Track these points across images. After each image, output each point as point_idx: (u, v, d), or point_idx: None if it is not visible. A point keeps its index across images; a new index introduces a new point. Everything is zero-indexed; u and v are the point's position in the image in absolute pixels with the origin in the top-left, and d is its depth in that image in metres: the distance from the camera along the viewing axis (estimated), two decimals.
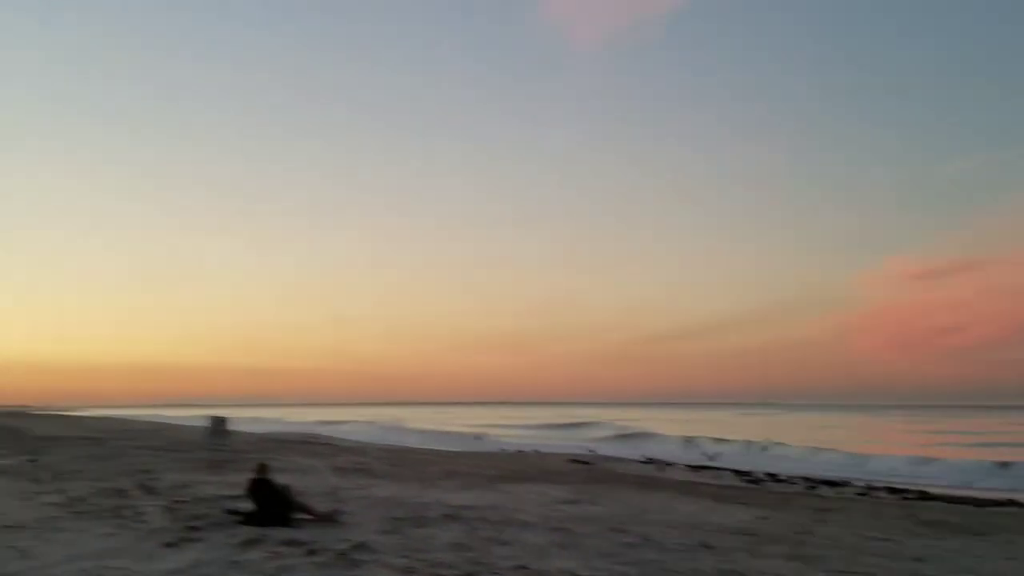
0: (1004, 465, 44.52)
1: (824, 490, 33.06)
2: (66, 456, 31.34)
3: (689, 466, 42.84)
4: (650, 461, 46.00)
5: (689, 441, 67.12)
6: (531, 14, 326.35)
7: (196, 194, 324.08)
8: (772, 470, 42.14)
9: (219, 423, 27.06)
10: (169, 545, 12.58)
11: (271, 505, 14.81)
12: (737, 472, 39.74)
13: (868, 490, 33.84)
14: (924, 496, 31.71)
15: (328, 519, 15.01)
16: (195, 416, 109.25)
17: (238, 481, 20.25)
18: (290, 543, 12.75)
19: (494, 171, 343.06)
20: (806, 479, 37.69)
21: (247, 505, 15.23)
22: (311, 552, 12.13)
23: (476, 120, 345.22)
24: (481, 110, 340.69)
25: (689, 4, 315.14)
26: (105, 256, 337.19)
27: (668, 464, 43.71)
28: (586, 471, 33.88)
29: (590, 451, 54.09)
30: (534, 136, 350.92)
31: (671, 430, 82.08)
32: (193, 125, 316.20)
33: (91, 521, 14.65)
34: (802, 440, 66.64)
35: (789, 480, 37.12)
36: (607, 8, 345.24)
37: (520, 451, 51.72)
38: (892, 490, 33.88)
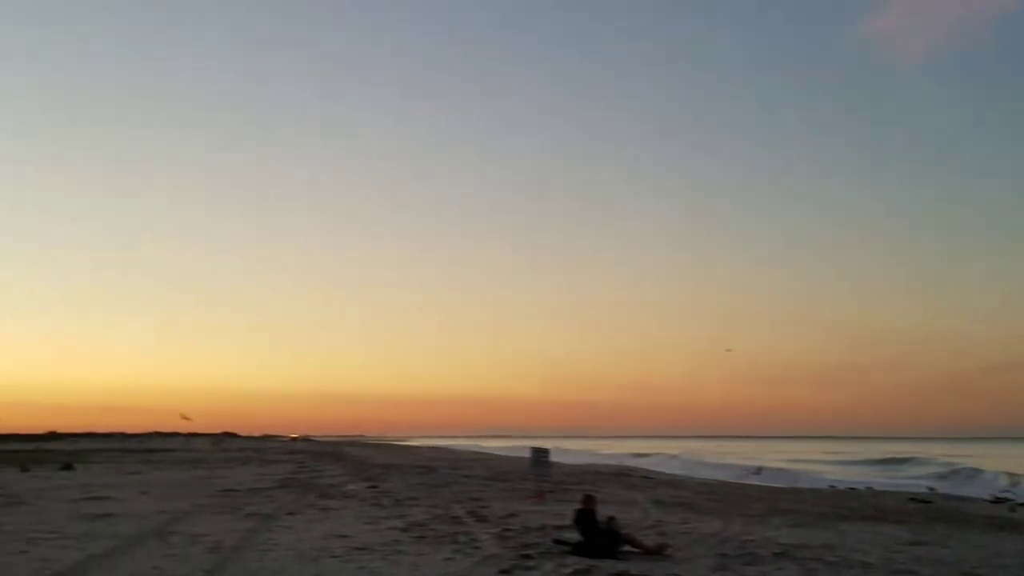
0: None
1: None
2: (403, 483, 33.47)
3: None
4: (999, 500, 41.79)
5: None
6: (852, 28, 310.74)
7: (517, 239, 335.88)
8: None
9: (541, 454, 27.64)
10: (504, 572, 12.88)
11: (598, 537, 14.80)
12: None
13: None
14: None
15: (656, 553, 14.75)
16: (511, 447, 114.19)
17: (563, 511, 20.54)
18: None
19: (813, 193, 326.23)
20: None
21: (573, 535, 15.32)
22: None
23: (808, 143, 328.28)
24: (805, 128, 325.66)
25: (1019, 3, 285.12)
26: (430, 298, 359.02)
27: (1021, 504, 39.49)
28: (928, 510, 31.29)
29: (929, 489, 50.05)
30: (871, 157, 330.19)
31: (1006, 466, 74.11)
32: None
33: (430, 545, 15.35)
34: None
35: None
36: (931, 19, 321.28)
37: (851, 488, 48.85)
38: None
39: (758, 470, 53.27)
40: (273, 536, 16.91)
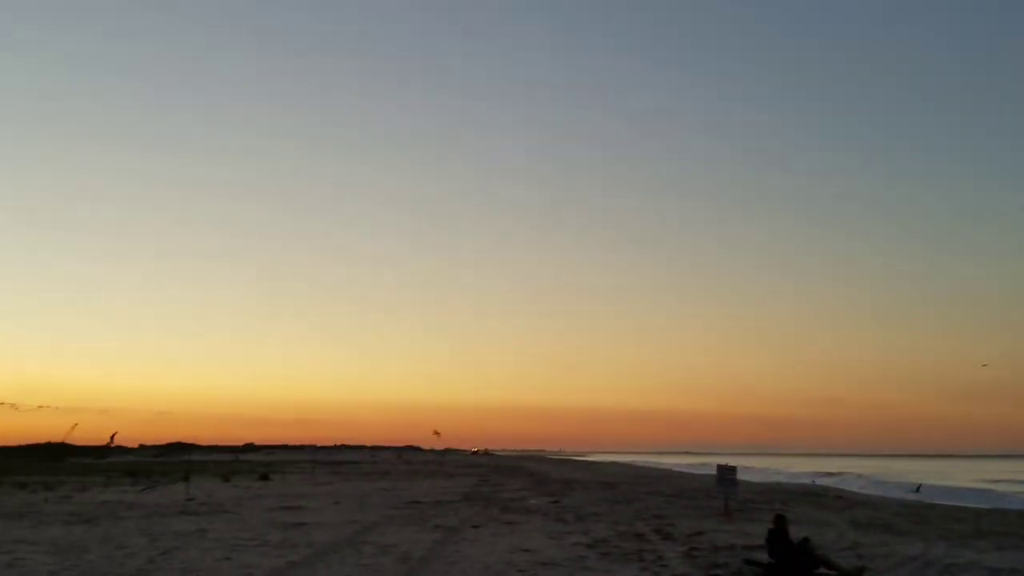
0: None
1: None
2: (585, 499, 33.37)
3: None
4: None
5: None
6: None
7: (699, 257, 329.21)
8: None
9: (727, 472, 26.92)
10: None
11: (791, 558, 14.21)
12: None
13: None
14: None
15: None
16: (692, 464, 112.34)
17: (752, 531, 19.90)
18: None
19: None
20: None
21: (764, 556, 14.77)
22: None
23: None
24: None
25: None
26: (612, 312, 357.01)
27: None
28: None
29: None
30: None
31: None
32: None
33: (616, 563, 15.13)
34: None
35: None
36: None
37: None
38: None
39: (917, 488, 50.61)
40: (459, 548, 17.11)
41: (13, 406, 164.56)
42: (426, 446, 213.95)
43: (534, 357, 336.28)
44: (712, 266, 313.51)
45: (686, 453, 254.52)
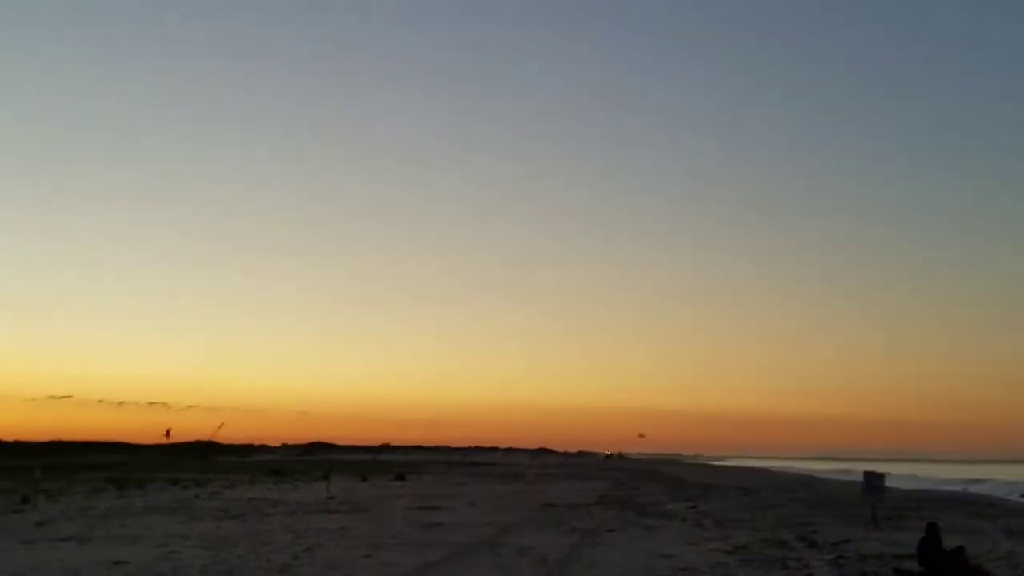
0: None
1: None
2: (723, 504, 32.70)
3: None
4: None
5: None
6: None
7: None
8: None
9: (875, 479, 25.89)
10: None
11: (943, 568, 13.52)
12: None
13: None
14: None
15: None
16: (832, 470, 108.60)
17: (901, 540, 19.06)
18: None
19: None
20: None
21: (914, 566, 14.11)
22: None
23: None
24: None
25: None
26: (747, 314, 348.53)
27: None
28: None
29: None
30: None
31: None
32: None
33: (759, 570, 14.71)
34: None
35: None
36: None
37: None
38: None
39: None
40: (596, 552, 16.97)
41: (165, 405, 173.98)
42: (559, 449, 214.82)
43: (669, 360, 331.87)
44: (856, 270, 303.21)
45: (827, 459, 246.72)
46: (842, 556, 16.60)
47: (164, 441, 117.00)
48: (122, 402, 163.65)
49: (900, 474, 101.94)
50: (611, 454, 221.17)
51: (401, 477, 54.17)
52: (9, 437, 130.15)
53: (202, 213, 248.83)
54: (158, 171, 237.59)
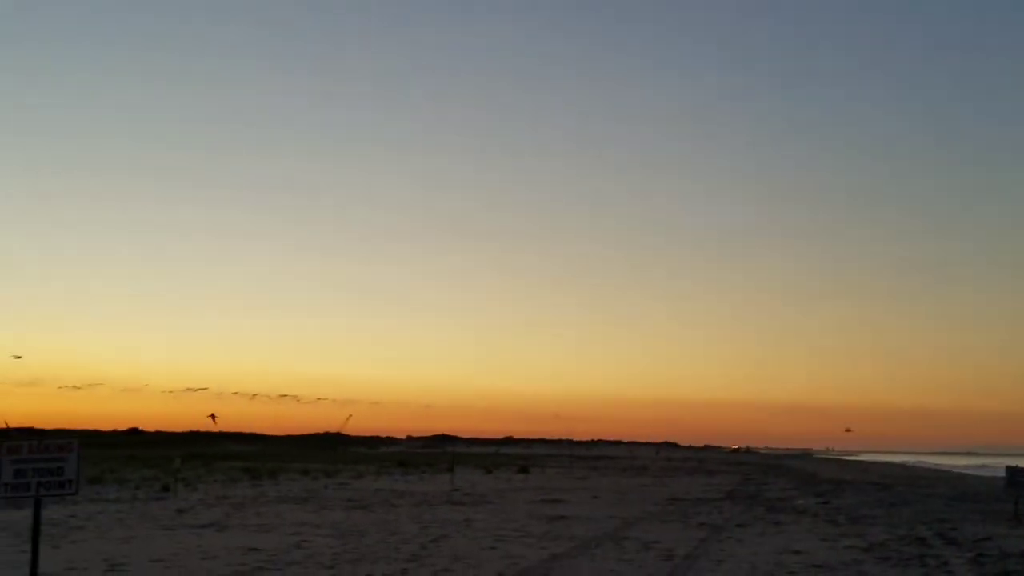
0: None
1: None
2: (856, 500, 31.66)
3: None
4: None
5: None
6: None
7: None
8: None
9: (1018, 474, 24.66)
10: None
11: None
12: None
13: None
14: None
15: None
16: (969, 464, 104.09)
17: None
18: None
19: None
20: None
21: None
22: None
23: None
24: None
25: None
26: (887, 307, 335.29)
27: None
28: None
29: None
30: None
31: None
32: None
33: (896, 568, 14.13)
34: None
35: None
36: None
37: None
38: None
39: None
40: (725, 547, 16.62)
41: (296, 398, 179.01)
42: (684, 442, 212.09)
43: (798, 353, 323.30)
44: (996, 256, 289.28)
45: (964, 453, 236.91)
46: (983, 554, 15.83)
47: (294, 432, 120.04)
48: (255, 394, 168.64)
49: None
50: (738, 448, 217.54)
51: (524, 470, 54.31)
52: (151, 427, 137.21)
53: (336, 207, 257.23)
54: (295, 166, 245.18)
